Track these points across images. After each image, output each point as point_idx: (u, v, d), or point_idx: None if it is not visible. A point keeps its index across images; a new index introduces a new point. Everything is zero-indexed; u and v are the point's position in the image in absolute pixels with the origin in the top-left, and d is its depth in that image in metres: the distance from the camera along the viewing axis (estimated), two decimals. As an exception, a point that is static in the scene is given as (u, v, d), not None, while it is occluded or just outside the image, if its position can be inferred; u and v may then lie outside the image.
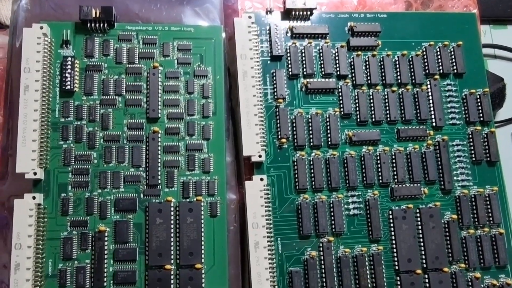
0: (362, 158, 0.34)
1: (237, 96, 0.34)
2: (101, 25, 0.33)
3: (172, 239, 0.31)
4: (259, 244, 0.31)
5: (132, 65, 0.34)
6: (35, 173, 0.30)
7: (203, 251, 0.31)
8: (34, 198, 0.30)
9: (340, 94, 0.35)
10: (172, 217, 0.31)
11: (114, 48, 0.34)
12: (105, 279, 0.30)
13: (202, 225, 0.32)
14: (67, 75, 0.32)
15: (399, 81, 0.35)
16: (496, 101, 0.40)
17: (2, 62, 0.43)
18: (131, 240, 0.31)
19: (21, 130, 0.31)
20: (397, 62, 0.36)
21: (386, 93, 0.35)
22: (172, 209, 0.32)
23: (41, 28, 0.32)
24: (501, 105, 0.42)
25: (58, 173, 0.32)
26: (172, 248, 0.31)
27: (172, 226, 0.31)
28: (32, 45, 0.32)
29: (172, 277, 0.31)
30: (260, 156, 0.32)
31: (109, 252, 0.31)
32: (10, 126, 0.33)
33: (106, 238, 0.31)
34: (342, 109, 0.34)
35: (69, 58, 0.33)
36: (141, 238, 0.31)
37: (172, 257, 0.31)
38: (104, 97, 0.33)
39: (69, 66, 0.33)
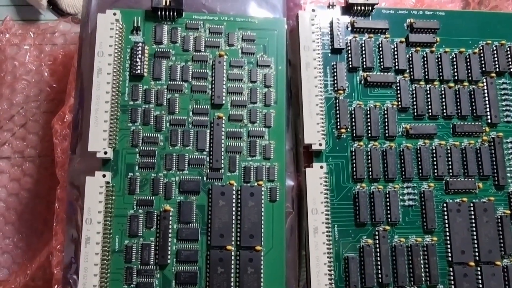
0: (418, 151, 0.34)
1: (297, 86, 0.34)
2: (170, 13, 0.34)
3: (233, 221, 0.32)
4: (318, 229, 0.32)
5: (198, 53, 0.34)
6: (105, 152, 0.32)
7: (262, 234, 0.32)
8: (104, 176, 0.31)
9: (398, 88, 0.35)
10: (234, 200, 0.32)
11: (182, 36, 0.35)
12: (168, 256, 0.31)
13: (262, 209, 0.32)
14: (137, 60, 0.33)
15: (456, 77, 0.36)
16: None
17: (65, 48, 0.44)
18: (194, 220, 0.32)
19: (94, 111, 0.32)
20: (454, 59, 0.36)
21: (443, 89, 0.36)
22: (234, 192, 0.32)
23: (114, 14, 0.33)
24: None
25: (126, 153, 0.33)
26: (233, 229, 0.32)
27: (233, 208, 0.32)
28: (105, 30, 0.33)
29: (232, 257, 0.32)
30: (320, 144, 0.33)
31: (172, 231, 0.32)
32: (81, 107, 0.34)
33: (170, 218, 0.32)
34: (399, 103, 0.35)
35: (140, 44, 0.34)
36: (203, 219, 0.32)
37: (233, 238, 0.32)
38: (171, 82, 0.34)
39: (139, 52, 0.34)
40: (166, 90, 0.34)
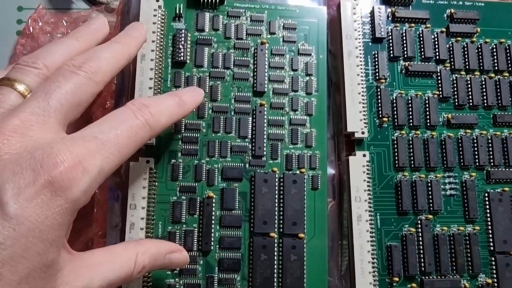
0: (460, 140, 0.34)
1: (338, 75, 0.34)
2: (212, 1, 0.34)
3: (276, 208, 0.32)
4: (361, 217, 0.31)
5: (240, 41, 0.34)
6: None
7: (305, 222, 0.31)
8: (148, 162, 0.31)
9: (439, 78, 0.34)
10: (276, 188, 0.32)
11: (223, 23, 0.34)
12: (211, 243, 0.31)
13: (305, 197, 0.32)
14: (180, 46, 0.33)
15: (496, 68, 0.35)
16: None
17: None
18: (237, 207, 0.32)
19: (137, 96, 0.31)
20: (494, 50, 0.35)
21: (483, 79, 0.35)
22: (276, 179, 0.32)
23: (157, 0, 0.33)
24: None
25: (169, 140, 0.32)
26: (276, 217, 0.31)
27: (276, 196, 0.32)
28: (148, 16, 0.32)
29: (275, 244, 0.31)
30: (363, 132, 0.32)
31: (215, 218, 0.31)
32: (122, 94, 0.34)
33: (213, 205, 0.31)
34: (440, 92, 0.34)
35: (182, 31, 0.33)
36: (246, 206, 0.32)
37: (276, 225, 0.31)
38: (213, 69, 0.33)
39: (182, 38, 0.33)
40: (208, 77, 0.33)
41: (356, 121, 0.32)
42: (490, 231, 0.33)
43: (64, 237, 0.21)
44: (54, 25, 0.44)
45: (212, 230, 0.31)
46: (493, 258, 0.32)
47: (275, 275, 0.31)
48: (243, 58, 0.34)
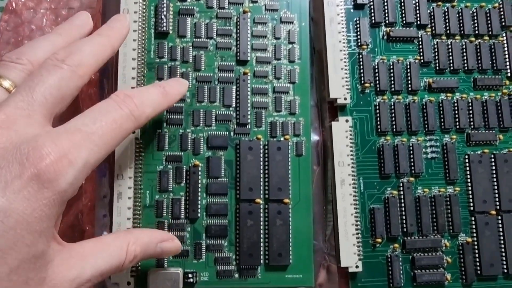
0: (441, 104, 0.34)
1: (320, 43, 0.34)
2: (193, -30, 0.33)
3: (261, 175, 0.32)
4: (345, 181, 0.32)
5: (222, 10, 0.33)
6: (134, 109, 0.31)
7: (290, 188, 0.32)
8: (133, 132, 0.31)
9: (420, 43, 0.34)
10: (261, 155, 0.32)
11: (205, -7, 0.34)
12: (198, 210, 0.31)
13: (289, 163, 0.32)
14: (162, 17, 0.33)
15: (477, 32, 0.35)
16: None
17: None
18: (223, 175, 0.32)
19: (121, 68, 0.31)
20: (475, 14, 0.35)
21: (464, 43, 0.35)
22: (261, 147, 0.32)
23: (138, -29, 0.33)
24: None
25: (154, 110, 0.32)
26: (261, 183, 0.32)
27: (261, 163, 0.32)
28: (130, -13, 0.32)
29: (261, 210, 0.32)
30: (345, 99, 0.33)
31: (202, 186, 0.32)
32: (106, 67, 0.33)
33: (199, 173, 0.32)
34: (422, 57, 0.34)
35: (164, 1, 0.33)
36: (232, 173, 0.32)
37: (261, 191, 0.32)
38: (196, 39, 0.33)
39: (164, 9, 0.33)
40: (191, 47, 0.33)
41: (339, 88, 0.33)
42: (470, 192, 0.33)
43: (54, 228, 0.21)
44: (37, 1, 0.43)
45: (199, 198, 0.31)
46: (473, 218, 0.33)
47: (261, 240, 0.31)
48: (225, 28, 0.33)
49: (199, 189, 0.31)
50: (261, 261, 0.31)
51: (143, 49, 0.32)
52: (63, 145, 0.21)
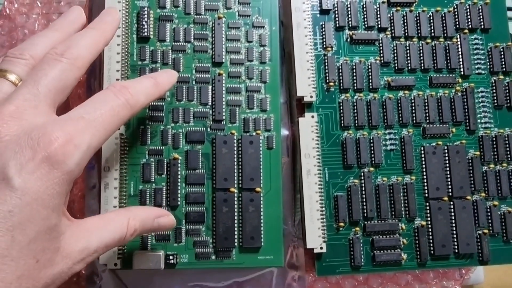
0: (399, 101, 0.37)
1: (290, 44, 0.37)
2: (172, -21, 0.36)
3: (235, 167, 0.35)
4: (310, 171, 0.35)
5: (199, 16, 0.36)
6: (118, 108, 0.34)
7: (261, 178, 0.35)
8: (118, 128, 0.34)
9: (381, 44, 0.37)
10: (235, 148, 0.35)
11: (183, 1, 0.36)
12: (178, 199, 0.34)
13: (261, 156, 0.35)
14: (144, 23, 0.35)
15: (433, 34, 0.38)
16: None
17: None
18: (200, 167, 0.35)
19: (106, 70, 0.34)
20: (431, 17, 0.38)
21: (421, 45, 0.38)
22: (235, 141, 0.35)
23: (121, -19, 0.35)
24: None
25: (137, 108, 0.35)
26: (235, 174, 0.35)
27: (235, 155, 0.35)
28: (113, -4, 0.35)
29: (235, 198, 0.35)
30: (311, 96, 0.36)
31: (181, 177, 0.34)
32: (93, 69, 0.36)
33: (179, 165, 0.35)
34: (382, 58, 0.37)
35: (145, 8, 0.36)
36: (209, 165, 0.35)
37: (235, 181, 0.35)
38: (175, 43, 0.36)
39: (145, 16, 0.36)
40: (170, 51, 0.36)
41: (305, 87, 0.35)
42: (425, 180, 0.36)
43: (63, 205, 0.24)
44: (29, 6, 0.46)
45: (179, 188, 0.34)
46: (427, 204, 0.36)
47: (235, 224, 0.34)
48: (202, 32, 0.36)
49: (179, 180, 0.34)
50: (236, 244, 0.34)
51: (126, 53, 0.35)
52: (69, 131, 0.23)
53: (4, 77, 0.26)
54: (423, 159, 0.37)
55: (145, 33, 0.35)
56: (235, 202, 0.34)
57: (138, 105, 0.27)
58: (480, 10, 0.39)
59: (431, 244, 0.35)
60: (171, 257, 0.33)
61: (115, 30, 0.30)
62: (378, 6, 0.38)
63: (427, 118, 0.37)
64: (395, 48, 0.38)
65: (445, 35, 0.38)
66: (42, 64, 0.25)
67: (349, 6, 0.38)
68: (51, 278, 0.23)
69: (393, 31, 0.38)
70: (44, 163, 0.22)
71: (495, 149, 0.37)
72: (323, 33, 0.37)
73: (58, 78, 0.25)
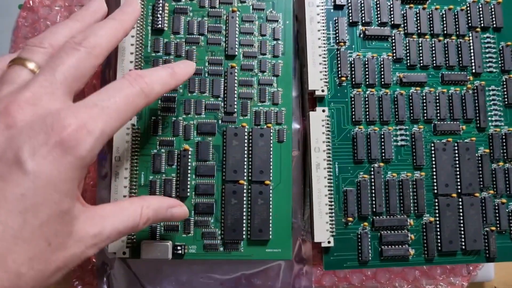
0: (410, 97, 0.37)
1: (303, 39, 0.37)
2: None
3: (245, 159, 0.35)
4: (320, 165, 0.35)
5: (213, 9, 0.36)
6: (131, 98, 0.34)
7: (271, 170, 0.35)
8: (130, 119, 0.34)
9: (394, 41, 0.37)
10: (246, 140, 0.35)
11: (198, -7, 0.37)
12: (188, 190, 0.34)
13: (271, 149, 0.35)
14: (158, 15, 0.36)
15: (445, 32, 0.38)
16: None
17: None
18: (210, 158, 0.35)
19: (120, 61, 0.34)
20: (444, 15, 0.38)
21: (433, 42, 0.38)
22: (246, 133, 0.35)
23: (136, -28, 0.35)
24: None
25: (149, 99, 0.35)
26: (245, 166, 0.35)
27: (245, 148, 0.35)
28: (129, -12, 0.35)
29: (245, 190, 0.35)
30: (323, 90, 0.36)
31: (191, 168, 0.35)
32: (108, 61, 0.36)
33: (189, 156, 0.35)
34: (394, 54, 0.37)
35: (160, 1, 0.36)
36: (219, 157, 0.35)
37: (245, 174, 0.35)
38: (189, 36, 0.36)
39: (160, 8, 0.36)
40: (184, 43, 0.36)
41: (317, 81, 0.35)
42: (434, 177, 0.36)
43: (77, 190, 0.24)
44: (52, -2, 0.46)
45: (189, 179, 0.34)
46: (436, 200, 0.36)
47: (244, 217, 0.34)
48: (216, 25, 0.36)
49: (189, 171, 0.35)
50: (244, 236, 0.34)
51: (140, 44, 0.35)
52: (82, 117, 0.23)
53: (23, 65, 0.26)
54: (433, 155, 0.37)
55: (160, 25, 0.36)
56: (244, 195, 0.35)
57: (153, 94, 0.27)
58: (493, 9, 0.39)
59: (439, 240, 0.35)
60: (179, 248, 0.34)
61: (135, 21, 0.30)
62: (391, 2, 0.38)
63: (438, 114, 0.37)
64: (407, 44, 0.38)
65: (458, 33, 0.38)
66: (60, 52, 0.25)
67: (362, 2, 0.38)
68: (63, 261, 0.23)
69: (406, 27, 0.38)
70: (57, 148, 0.22)
71: (505, 147, 0.37)
72: (336, 28, 0.37)
73: (75, 66, 0.25)
